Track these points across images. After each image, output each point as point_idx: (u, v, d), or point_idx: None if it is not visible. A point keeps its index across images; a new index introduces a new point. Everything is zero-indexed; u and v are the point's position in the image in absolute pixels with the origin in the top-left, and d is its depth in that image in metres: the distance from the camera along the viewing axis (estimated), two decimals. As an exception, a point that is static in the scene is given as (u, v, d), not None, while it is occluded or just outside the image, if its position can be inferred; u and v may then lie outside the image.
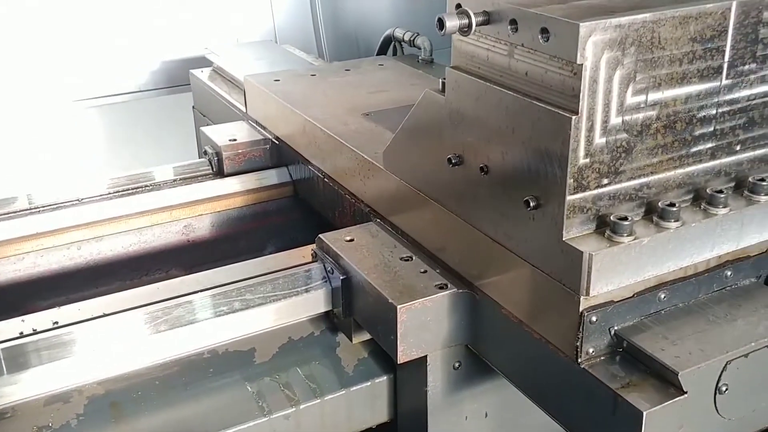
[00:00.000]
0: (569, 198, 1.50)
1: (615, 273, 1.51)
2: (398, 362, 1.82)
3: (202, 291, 1.98)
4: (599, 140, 1.48)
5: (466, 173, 1.78)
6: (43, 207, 2.59)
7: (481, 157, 1.72)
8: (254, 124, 3.02)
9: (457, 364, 1.92)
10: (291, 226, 2.82)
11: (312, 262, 2.10)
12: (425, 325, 1.81)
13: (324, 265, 2.05)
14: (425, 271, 1.91)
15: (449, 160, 1.80)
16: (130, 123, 4.61)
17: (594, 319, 1.53)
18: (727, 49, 1.57)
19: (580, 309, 1.53)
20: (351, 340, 2.06)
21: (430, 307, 1.80)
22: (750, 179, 1.68)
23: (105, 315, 1.94)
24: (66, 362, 1.78)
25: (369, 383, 2.04)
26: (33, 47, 4.27)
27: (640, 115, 1.51)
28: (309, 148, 2.65)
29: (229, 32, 4.71)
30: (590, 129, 1.47)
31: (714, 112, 1.61)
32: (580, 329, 1.53)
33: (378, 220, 2.19)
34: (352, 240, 2.07)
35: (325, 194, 2.55)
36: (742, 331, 1.56)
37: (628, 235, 1.51)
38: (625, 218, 1.52)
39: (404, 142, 2.04)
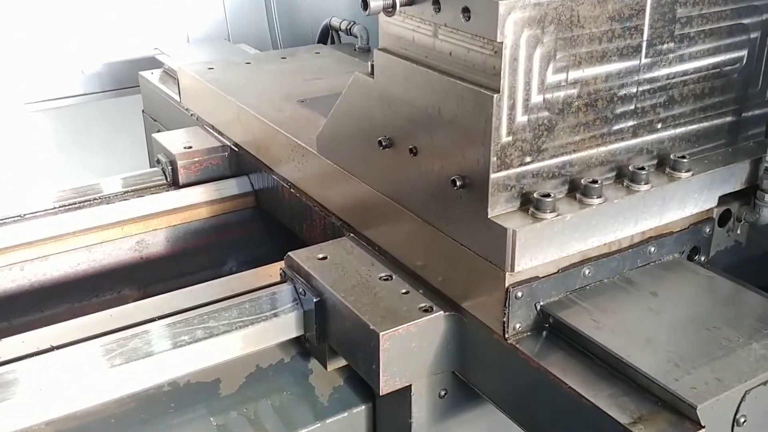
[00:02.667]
0: (493, 176, 1.52)
1: (539, 249, 1.54)
2: (381, 394, 1.67)
3: (160, 318, 1.82)
4: (521, 118, 1.50)
5: (396, 155, 1.79)
6: (86, 202, 2.46)
7: (410, 138, 1.72)
8: (210, 129, 2.86)
9: (443, 392, 1.77)
10: (254, 240, 2.65)
11: (281, 282, 1.93)
12: (410, 352, 1.65)
13: (294, 286, 1.87)
14: (407, 292, 1.74)
15: (380, 142, 1.81)
16: (76, 128, 4.37)
17: (520, 294, 1.56)
18: (646, 28, 1.60)
19: (506, 285, 1.55)
20: (326, 368, 1.88)
21: (415, 332, 1.64)
22: (671, 156, 1.72)
23: (53, 348, 1.76)
24: (9, 404, 1.58)
25: (346, 414, 1.86)
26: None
27: (561, 93, 1.54)
28: (245, 136, 2.63)
29: (179, 29, 4.48)
30: (512, 107, 1.49)
31: (634, 90, 1.64)
32: (507, 305, 1.55)
33: (351, 235, 2.02)
34: (325, 258, 1.89)
35: (291, 205, 2.36)
36: (759, 356, 1.46)
37: (551, 212, 1.54)
38: (548, 195, 1.54)
39: (337, 127, 2.05)
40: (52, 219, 2.42)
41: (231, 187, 2.64)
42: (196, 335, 1.76)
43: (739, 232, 1.90)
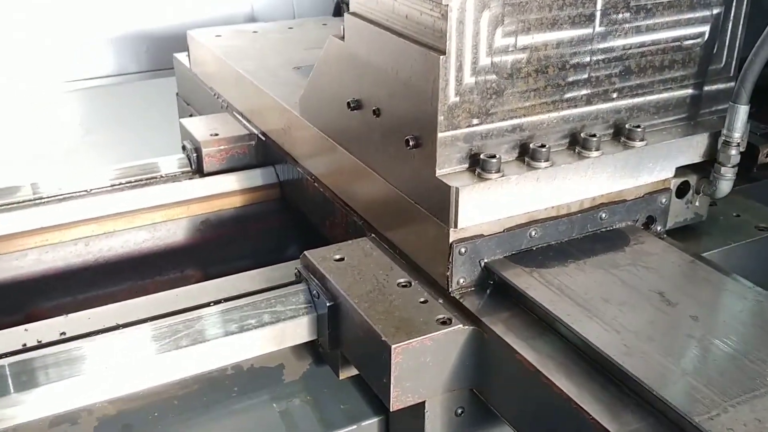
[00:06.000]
0: (440, 135, 1.58)
1: (482, 208, 1.60)
2: (391, 409, 1.57)
3: (165, 316, 1.77)
4: (469, 80, 1.56)
5: (363, 117, 1.85)
6: (49, 198, 2.38)
7: (374, 100, 1.79)
8: (238, 116, 2.77)
9: (459, 411, 1.66)
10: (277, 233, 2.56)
11: (296, 282, 1.84)
12: (424, 366, 1.54)
13: (309, 288, 1.78)
14: (426, 301, 1.63)
15: (348, 104, 1.88)
16: (110, 109, 4.27)
17: (463, 250, 1.62)
18: (599, -3, 1.64)
19: (450, 240, 1.61)
20: (338, 375, 1.79)
21: (430, 346, 1.53)
22: (627, 126, 1.76)
23: (118, 326, 1.74)
24: (75, 381, 1.57)
25: (355, 427, 1.77)
26: (5, 24, 3.96)
27: (510, 58, 1.59)
28: (241, 101, 2.72)
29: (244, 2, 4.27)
30: (459, 69, 1.54)
31: (588, 59, 1.68)
32: (450, 260, 1.62)
33: (373, 236, 1.91)
34: (342, 259, 1.78)
35: (314, 199, 2.26)
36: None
37: (496, 172, 1.60)
38: (494, 156, 1.60)
39: (315, 89, 2.12)
40: (118, 195, 2.40)
41: (256, 177, 2.56)
42: (259, 322, 1.72)
43: (698, 204, 1.93)
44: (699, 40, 1.81)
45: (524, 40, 1.59)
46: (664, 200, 1.84)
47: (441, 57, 1.52)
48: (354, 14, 1.82)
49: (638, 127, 1.75)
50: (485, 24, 1.54)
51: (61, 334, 1.75)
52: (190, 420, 1.72)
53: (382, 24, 1.72)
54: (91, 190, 2.49)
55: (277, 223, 2.56)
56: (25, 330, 1.76)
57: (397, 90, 1.68)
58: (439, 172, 1.61)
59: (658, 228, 1.86)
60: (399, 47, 1.64)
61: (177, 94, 3.56)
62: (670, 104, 1.84)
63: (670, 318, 1.50)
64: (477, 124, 1.61)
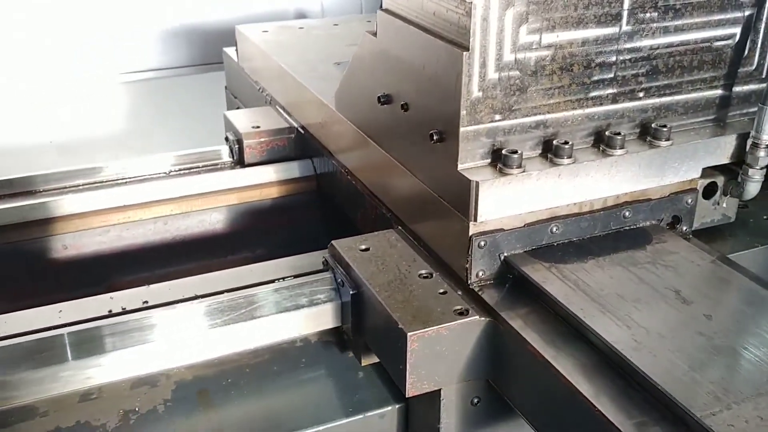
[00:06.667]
0: (463, 130, 1.61)
1: (502, 202, 1.62)
2: (407, 395, 1.61)
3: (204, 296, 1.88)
4: (492, 76, 1.59)
5: (393, 111, 1.89)
6: (131, 178, 2.56)
7: (403, 95, 1.83)
8: (280, 110, 2.84)
9: (475, 400, 1.69)
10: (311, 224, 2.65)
11: (323, 270, 1.90)
12: (440, 355, 1.58)
13: (335, 276, 1.84)
14: (445, 292, 1.66)
15: (379, 99, 1.92)
16: (161, 101, 4.40)
17: (482, 243, 1.65)
18: (626, -4, 1.66)
19: (470, 234, 1.64)
20: (360, 362, 1.83)
21: (446, 335, 1.56)
22: (653, 125, 1.77)
23: (197, 297, 1.86)
24: (156, 345, 1.69)
25: (374, 412, 1.79)
26: (60, 18, 4.06)
27: (534, 55, 1.61)
28: (282, 94, 2.79)
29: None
30: (483, 65, 1.57)
31: (614, 58, 1.70)
32: (470, 252, 1.65)
33: (400, 228, 1.95)
34: (367, 249, 1.83)
35: (348, 192, 2.31)
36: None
37: (517, 168, 1.62)
38: (516, 152, 1.62)
39: (349, 84, 2.17)
40: (196, 178, 2.55)
41: (293, 169, 2.63)
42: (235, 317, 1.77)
43: (725, 205, 1.92)
44: (729, 41, 1.81)
45: (549, 38, 1.61)
46: (690, 201, 1.84)
47: (464, 53, 1.55)
48: (386, 11, 1.86)
49: (664, 126, 1.75)
50: (509, 21, 1.56)
51: (144, 302, 1.88)
52: (261, 387, 1.80)
53: (411, 20, 1.76)
54: (170, 172, 2.63)
55: (312, 214, 2.62)
56: (111, 298, 1.90)
57: (424, 85, 1.72)
58: (461, 167, 1.64)
59: (684, 228, 1.86)
60: (426, 43, 1.68)
61: (225, 87, 3.64)
62: (698, 105, 1.84)
63: (684, 316, 1.51)
64: (500, 120, 1.63)
